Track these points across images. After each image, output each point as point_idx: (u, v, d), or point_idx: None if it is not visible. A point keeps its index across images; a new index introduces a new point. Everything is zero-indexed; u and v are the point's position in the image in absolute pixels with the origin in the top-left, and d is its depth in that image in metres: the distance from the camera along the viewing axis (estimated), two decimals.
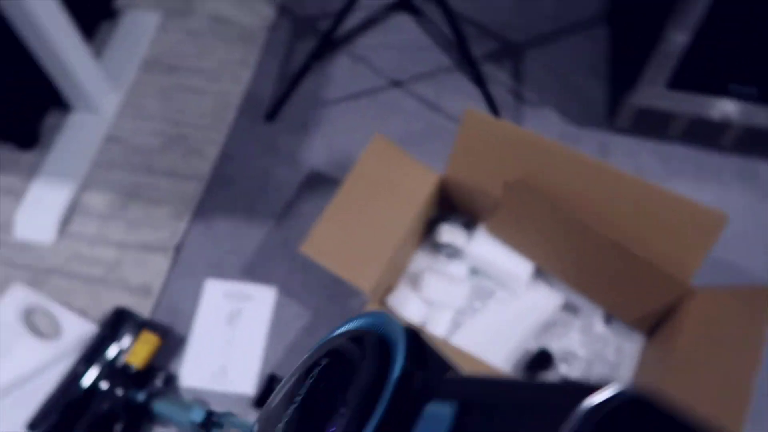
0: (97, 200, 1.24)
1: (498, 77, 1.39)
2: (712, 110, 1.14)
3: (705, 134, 1.22)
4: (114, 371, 1.01)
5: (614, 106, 1.28)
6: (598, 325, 1.04)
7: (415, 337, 0.26)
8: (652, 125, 1.24)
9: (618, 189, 0.94)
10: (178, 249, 1.19)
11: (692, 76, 1.09)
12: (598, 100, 1.34)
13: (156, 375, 1.04)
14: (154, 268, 1.16)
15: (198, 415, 0.70)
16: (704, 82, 1.10)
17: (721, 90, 1.10)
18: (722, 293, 0.90)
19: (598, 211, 0.95)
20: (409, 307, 1.03)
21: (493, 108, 1.26)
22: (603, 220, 0.94)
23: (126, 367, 1.01)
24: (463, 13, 1.48)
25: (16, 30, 1.15)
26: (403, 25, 1.47)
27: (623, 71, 1.30)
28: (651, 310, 0.98)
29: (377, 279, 0.95)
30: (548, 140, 0.96)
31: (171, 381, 1.05)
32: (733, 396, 0.78)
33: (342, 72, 1.40)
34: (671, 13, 1.02)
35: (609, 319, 1.05)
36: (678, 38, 1.03)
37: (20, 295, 1.13)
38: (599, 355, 1.02)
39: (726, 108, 1.13)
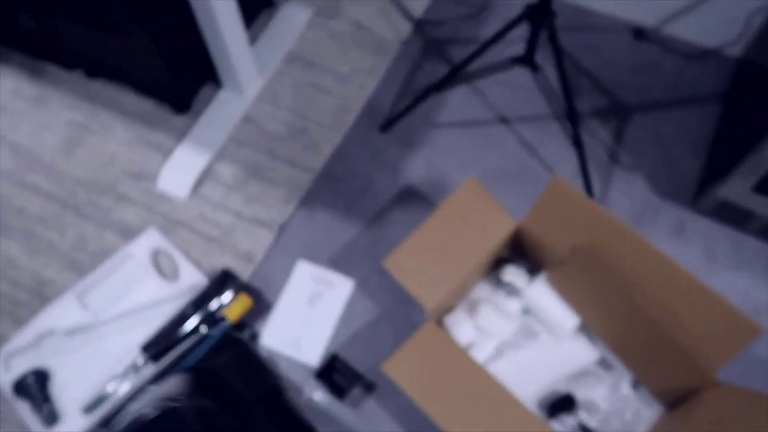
0: (226, 171, 1.46)
1: (599, 133, 1.47)
2: None
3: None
4: (213, 320, 1.24)
5: (702, 189, 1.35)
6: (625, 387, 1.15)
7: None
8: (733, 216, 1.29)
9: (669, 277, 1.03)
10: (282, 228, 1.39)
11: None
12: (690, 178, 1.41)
13: (244, 330, 1.27)
14: (260, 240, 1.38)
15: None
16: None
17: None
18: (742, 394, 0.98)
19: (646, 290, 1.05)
20: (461, 329, 1.18)
21: (585, 172, 1.35)
22: (649, 298, 1.04)
23: (222, 319, 1.23)
24: (584, 65, 1.57)
25: (193, 11, 1.36)
26: (522, 68, 1.57)
27: (720, 158, 1.35)
28: (674, 388, 1.07)
29: (440, 301, 1.11)
30: (618, 221, 1.06)
31: (255, 338, 1.27)
32: None
33: (457, 99, 1.54)
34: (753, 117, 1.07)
35: (636, 384, 1.15)
36: None
37: (153, 238, 1.38)
38: (619, 412, 1.13)
39: None
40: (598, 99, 1.52)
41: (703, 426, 0.99)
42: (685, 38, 1.59)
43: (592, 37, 1.61)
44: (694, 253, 1.33)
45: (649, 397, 1.14)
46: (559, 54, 1.25)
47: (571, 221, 1.12)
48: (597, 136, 1.47)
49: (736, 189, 1.20)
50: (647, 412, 1.13)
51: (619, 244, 1.07)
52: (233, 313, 1.24)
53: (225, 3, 1.32)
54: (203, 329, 1.23)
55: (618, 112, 1.50)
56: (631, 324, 1.09)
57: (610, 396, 1.15)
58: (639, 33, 1.62)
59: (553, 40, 1.24)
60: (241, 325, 1.26)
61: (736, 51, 1.55)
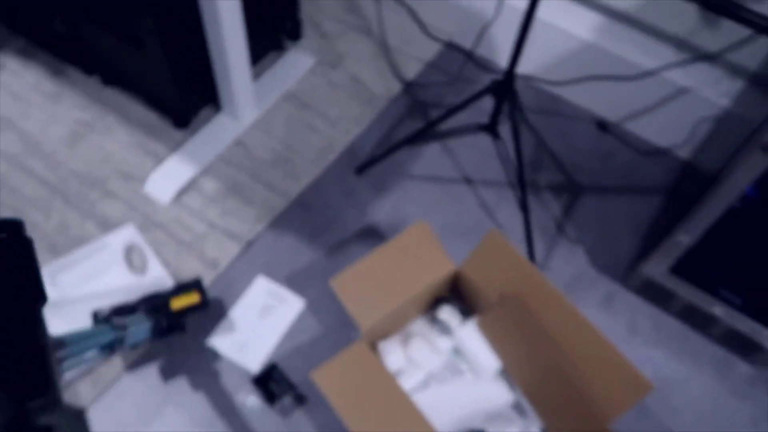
0: (209, 184, 1.60)
1: (551, 206, 1.62)
2: (704, 304, 1.32)
3: (697, 319, 1.39)
4: (158, 304, 1.31)
5: (633, 268, 1.48)
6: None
7: None
8: (656, 295, 1.42)
9: (580, 333, 1.15)
10: (250, 243, 1.51)
11: (691, 270, 1.28)
12: (625, 256, 1.54)
13: (183, 319, 1.33)
14: (227, 251, 1.49)
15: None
16: (700, 279, 1.28)
17: (712, 290, 1.27)
18: None
19: (560, 342, 1.16)
20: (392, 356, 1.28)
21: (528, 236, 1.49)
22: (561, 350, 1.15)
23: (167, 305, 1.30)
24: (549, 144, 1.73)
25: (206, 38, 1.52)
26: (487, 135, 1.74)
27: (654, 243, 1.48)
28: None
29: (374, 323, 1.21)
30: (543, 277, 1.19)
31: (183, 329, 1.31)
32: None
33: (430, 155, 1.69)
34: (685, 215, 1.22)
35: None
36: (683, 238, 1.23)
37: (130, 233, 1.49)
38: None
39: (714, 308, 1.30)
40: (556, 176, 1.68)
41: None
42: (642, 135, 1.76)
43: (562, 122, 1.78)
44: (618, 325, 1.44)
45: None
46: (516, 127, 1.41)
47: (502, 271, 1.24)
48: (549, 207, 1.61)
49: (657, 268, 1.33)
50: None
51: (540, 297, 1.19)
52: (178, 302, 1.32)
53: (236, 37, 1.49)
54: (146, 307, 1.29)
55: (572, 190, 1.65)
56: (544, 373, 1.19)
57: None
58: (602, 125, 1.79)
59: (513, 115, 1.40)
60: (180, 314, 1.33)
61: (683, 153, 1.72)
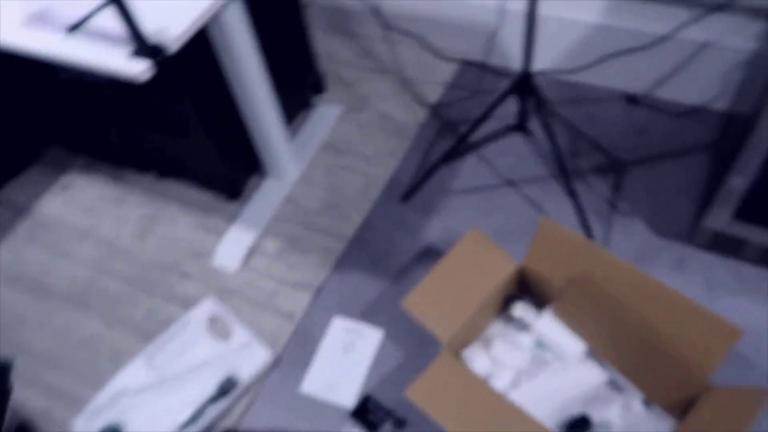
0: (270, 244, 1.69)
1: (598, 188, 1.63)
2: None
3: None
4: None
5: (696, 226, 1.46)
6: (637, 404, 1.22)
7: None
8: (727, 246, 1.40)
9: (659, 297, 1.15)
10: (319, 290, 1.58)
11: (755, 211, 1.26)
12: (685, 219, 1.53)
13: None
14: (300, 302, 1.56)
15: None
16: (766, 217, 1.26)
17: None
18: (733, 391, 1.06)
19: (637, 310, 1.16)
20: (478, 362, 1.31)
21: (583, 219, 1.50)
22: (640, 318, 1.15)
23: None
24: (581, 129, 1.75)
25: (242, 113, 1.64)
26: (523, 138, 1.77)
27: (710, 197, 1.47)
28: (678, 399, 1.15)
29: (454, 333, 1.25)
30: (605, 251, 1.20)
31: (288, 385, 1.41)
32: None
33: (468, 169, 1.74)
34: (733, 160, 1.22)
35: (648, 401, 1.22)
36: (737, 181, 1.22)
37: (209, 305, 1.59)
38: (632, 429, 1.20)
39: None
40: (596, 158, 1.69)
41: (703, 427, 1.06)
42: (674, 99, 1.76)
43: (590, 106, 1.81)
44: (695, 285, 1.42)
45: (662, 412, 1.21)
46: (546, 119, 1.45)
47: (564, 255, 1.26)
48: (596, 189, 1.62)
49: (720, 218, 1.32)
50: (662, 425, 1.20)
51: (608, 271, 1.20)
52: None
53: (268, 107, 1.60)
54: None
55: (615, 169, 1.66)
56: (632, 343, 1.19)
57: (623, 415, 1.23)
58: (632, 99, 1.80)
59: (540, 109, 1.44)
60: None
61: (719, 105, 1.70)
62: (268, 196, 1.79)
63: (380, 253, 1.62)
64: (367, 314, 1.52)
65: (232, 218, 1.76)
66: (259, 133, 1.66)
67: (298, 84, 1.94)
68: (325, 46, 2.20)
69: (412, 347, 1.44)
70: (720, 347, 1.09)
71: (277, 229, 1.72)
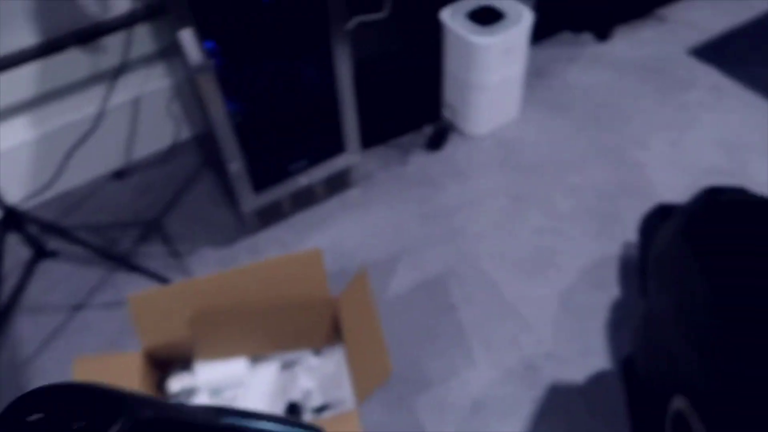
0: None
1: (154, 252, 1.69)
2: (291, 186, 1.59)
3: (303, 199, 1.67)
4: None
5: (240, 218, 1.67)
6: (312, 360, 1.37)
7: None
8: (273, 214, 1.65)
9: (251, 277, 1.28)
10: None
11: (263, 178, 1.53)
12: (232, 220, 1.72)
13: None
14: None
15: None
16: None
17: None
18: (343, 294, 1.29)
19: (254, 297, 1.28)
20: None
21: (159, 278, 1.55)
22: (261, 302, 1.28)
23: None
24: (99, 224, 1.76)
25: None
26: (54, 262, 1.69)
27: (233, 193, 1.69)
28: (329, 327, 1.34)
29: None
30: (189, 282, 1.27)
31: None
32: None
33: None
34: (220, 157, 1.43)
35: (317, 351, 1.38)
36: (233, 167, 1.45)
37: None
38: (324, 377, 1.35)
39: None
40: (132, 233, 1.73)
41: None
42: (150, 152, 1.91)
43: (89, 202, 1.81)
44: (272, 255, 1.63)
45: (330, 347, 1.38)
46: (63, 233, 1.40)
47: (175, 308, 1.28)
48: (154, 255, 1.68)
49: (249, 200, 1.54)
50: (336, 354, 1.37)
51: (203, 293, 1.28)
52: None
53: None
54: None
55: (153, 229, 1.74)
56: (269, 324, 1.31)
57: (310, 375, 1.35)
58: (119, 174, 1.88)
59: (49, 230, 1.38)
60: None
61: (186, 134, 1.93)
62: None
63: None
64: None
65: None
66: None
67: None
68: None
69: None
70: (314, 272, 1.30)
71: None
